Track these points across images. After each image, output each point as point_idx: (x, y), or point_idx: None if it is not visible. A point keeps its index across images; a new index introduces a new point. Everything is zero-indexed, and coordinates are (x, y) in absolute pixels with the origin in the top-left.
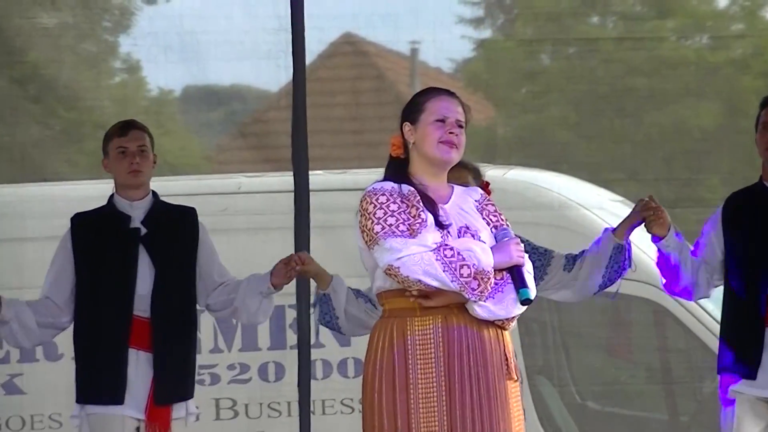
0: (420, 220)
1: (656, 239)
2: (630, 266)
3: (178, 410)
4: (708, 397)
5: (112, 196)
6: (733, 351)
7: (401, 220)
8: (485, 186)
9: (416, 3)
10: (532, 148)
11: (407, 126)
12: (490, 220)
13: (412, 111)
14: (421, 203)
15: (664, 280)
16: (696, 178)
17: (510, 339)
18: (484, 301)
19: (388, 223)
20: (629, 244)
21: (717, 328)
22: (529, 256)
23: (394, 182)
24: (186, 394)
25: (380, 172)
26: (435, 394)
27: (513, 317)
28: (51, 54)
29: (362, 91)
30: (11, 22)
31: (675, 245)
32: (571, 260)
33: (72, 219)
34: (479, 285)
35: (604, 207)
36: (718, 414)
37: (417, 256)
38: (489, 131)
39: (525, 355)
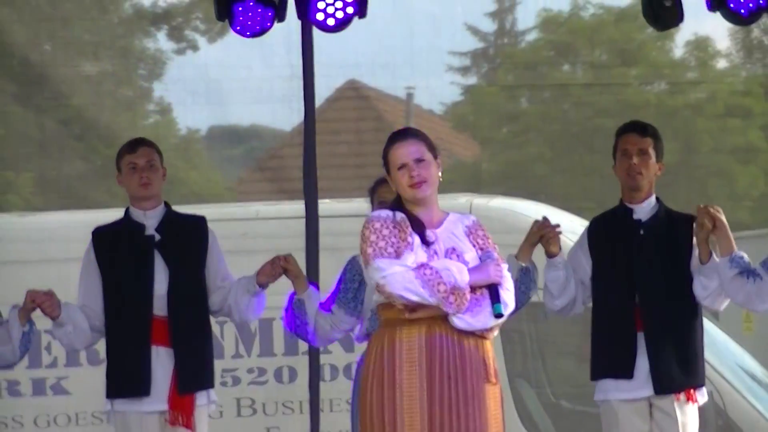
0: (407, 243)
1: (550, 257)
2: (535, 287)
3: (200, 398)
4: None
5: (127, 208)
6: (609, 358)
7: (390, 243)
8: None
9: (411, 54)
10: (513, 180)
11: (388, 178)
12: (477, 243)
13: (384, 165)
14: (410, 228)
15: (552, 295)
16: None
17: (490, 346)
18: (463, 313)
19: (378, 246)
20: (533, 266)
21: None
22: None
23: (391, 210)
24: (206, 383)
25: None
26: (417, 393)
27: (490, 328)
28: (93, 98)
29: (364, 130)
30: (57, 70)
31: (564, 264)
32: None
33: (93, 232)
34: (456, 300)
35: (576, 231)
36: None
37: (399, 275)
38: (475, 166)
39: (506, 360)
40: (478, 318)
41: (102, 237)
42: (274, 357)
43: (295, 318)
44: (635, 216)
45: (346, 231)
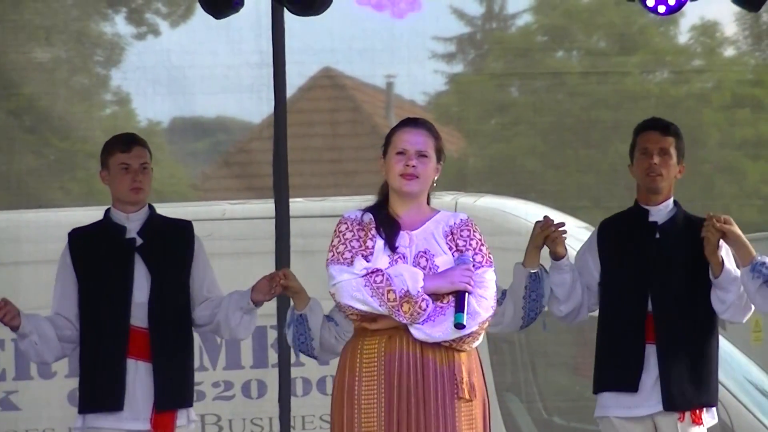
0: (365, 248)
1: (555, 259)
2: (548, 293)
3: (181, 417)
4: None
5: (108, 209)
6: (614, 370)
7: (348, 248)
8: None
9: (392, 39)
10: (502, 177)
11: (380, 159)
12: (456, 244)
13: (385, 144)
14: (374, 230)
15: (557, 300)
16: None
17: (469, 359)
18: (421, 323)
19: (338, 251)
20: (542, 270)
21: None
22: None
23: (367, 210)
24: (186, 401)
25: (357, 199)
26: (375, 409)
27: (455, 340)
28: (45, 87)
29: (340, 122)
30: (7, 57)
31: (570, 266)
32: (502, 295)
33: (69, 234)
34: (409, 309)
35: (570, 233)
36: None
37: (346, 283)
38: (460, 161)
39: (494, 372)
40: (438, 328)
41: (79, 239)
42: (242, 370)
43: (297, 335)
44: (651, 218)
45: (319, 232)
